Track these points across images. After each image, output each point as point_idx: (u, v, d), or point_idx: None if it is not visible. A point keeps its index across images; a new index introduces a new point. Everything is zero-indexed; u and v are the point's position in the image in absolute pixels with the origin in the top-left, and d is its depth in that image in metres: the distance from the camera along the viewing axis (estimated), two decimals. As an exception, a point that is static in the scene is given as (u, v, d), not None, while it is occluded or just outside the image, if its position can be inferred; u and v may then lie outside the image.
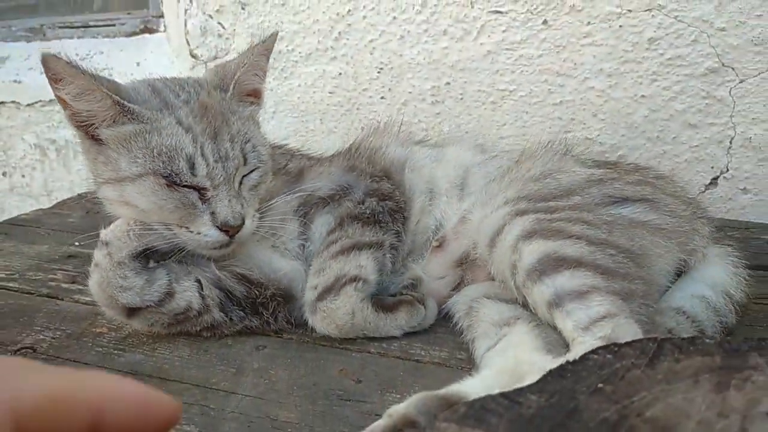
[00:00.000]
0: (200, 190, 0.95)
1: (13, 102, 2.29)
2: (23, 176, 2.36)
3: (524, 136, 1.69)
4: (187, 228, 0.95)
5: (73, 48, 2.25)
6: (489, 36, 1.67)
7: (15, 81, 2.27)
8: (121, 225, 0.98)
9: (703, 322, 0.91)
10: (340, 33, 1.81)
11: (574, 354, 0.72)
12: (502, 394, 0.54)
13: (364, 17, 1.77)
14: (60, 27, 2.35)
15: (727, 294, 0.95)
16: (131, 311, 0.96)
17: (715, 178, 1.58)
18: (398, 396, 0.84)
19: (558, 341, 0.84)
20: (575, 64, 1.61)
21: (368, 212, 1.06)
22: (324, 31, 1.82)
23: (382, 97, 1.82)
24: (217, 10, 1.93)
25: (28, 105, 2.27)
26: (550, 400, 0.52)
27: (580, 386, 0.54)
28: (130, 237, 0.96)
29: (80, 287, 1.18)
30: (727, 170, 1.56)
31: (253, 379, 0.89)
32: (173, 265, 0.99)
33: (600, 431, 0.48)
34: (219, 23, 1.95)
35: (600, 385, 0.53)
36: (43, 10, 2.42)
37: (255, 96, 1.09)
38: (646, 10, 1.53)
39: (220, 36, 1.97)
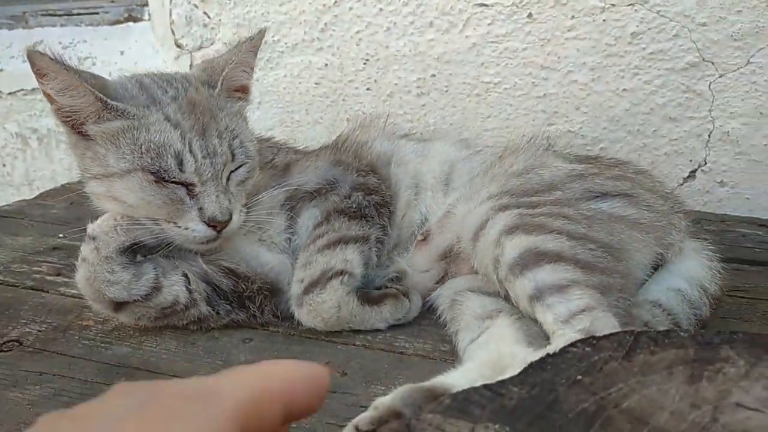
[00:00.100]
0: (188, 186, 0.96)
1: (-6, 90, 2.27)
2: (4, 165, 2.33)
3: (508, 129, 1.71)
4: (175, 223, 0.96)
5: (56, 36, 2.23)
6: (474, 29, 1.68)
7: (-4, 69, 2.25)
8: (108, 220, 0.98)
9: (678, 315, 0.93)
10: (326, 24, 1.81)
11: (555, 347, 0.74)
12: (485, 386, 0.55)
13: (351, 8, 1.77)
14: (42, 15, 2.32)
15: (701, 287, 0.97)
16: (118, 305, 0.97)
17: (694, 171, 1.61)
18: (383, 388, 0.85)
19: (539, 334, 0.86)
20: (559, 57, 1.63)
21: (354, 206, 1.07)
22: (310, 22, 1.82)
23: (368, 89, 1.82)
24: (203, 0, 1.92)
25: (10, 93, 2.24)
26: (531, 391, 0.54)
27: (560, 378, 0.55)
28: (117, 232, 0.97)
29: (66, 280, 1.18)
30: (706, 163, 1.59)
31: (240, 371, 0.90)
32: (160, 260, 1.00)
33: (578, 422, 0.50)
34: (204, 13, 1.94)
35: (579, 377, 0.55)
36: (25, -3, 2.40)
37: (243, 92, 1.09)
38: (629, 5, 1.54)
39: (205, 26, 1.96)
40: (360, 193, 1.09)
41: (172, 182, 0.95)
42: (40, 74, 0.94)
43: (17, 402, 0.84)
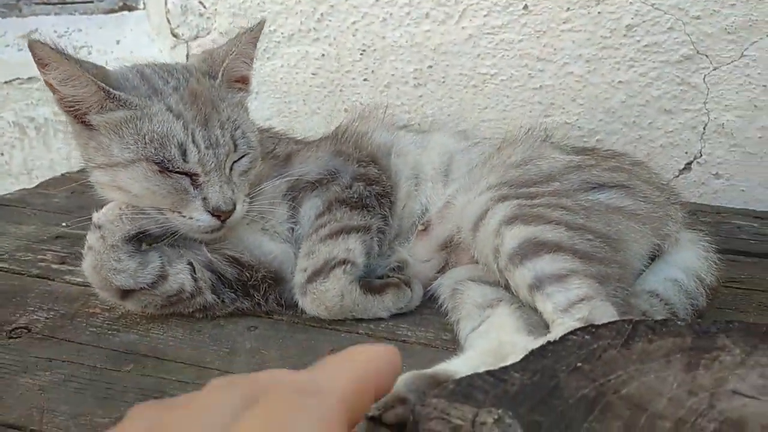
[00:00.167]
0: (192, 176, 0.97)
1: (-11, 79, 2.26)
2: (2, 154, 2.32)
3: (505, 120, 1.72)
4: (179, 213, 0.97)
5: (50, 25, 2.22)
6: (470, 20, 1.69)
7: (-9, 57, 2.24)
8: (114, 208, 0.99)
9: (675, 305, 0.94)
10: (322, 14, 1.81)
11: (555, 335, 0.75)
12: (488, 372, 0.56)
13: (347, -1, 1.77)
14: (36, 3, 2.30)
15: (698, 278, 0.99)
16: (125, 293, 0.98)
17: (689, 163, 1.63)
18: (387, 375, 0.87)
19: (538, 322, 0.88)
20: (555, 49, 1.64)
21: (356, 196, 1.08)
22: (307, 12, 1.82)
23: (365, 79, 1.83)
24: (199, -10, 1.92)
25: (6, 82, 2.23)
26: (532, 378, 0.54)
27: (560, 365, 0.56)
28: (122, 220, 0.98)
29: (70, 268, 1.19)
30: (701, 155, 1.61)
31: (246, 358, 0.92)
32: (165, 249, 1.01)
33: (579, 407, 0.50)
34: (200, 2, 1.93)
35: (579, 364, 0.55)
36: (18, -15, 2.38)
37: (243, 83, 1.10)
38: (624, -3, 1.56)
39: (201, 15, 1.95)
40: (361, 183, 1.10)
41: (176, 172, 0.96)
42: (41, 64, 0.95)
43: (28, 387, 0.85)
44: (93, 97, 0.95)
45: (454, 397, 0.53)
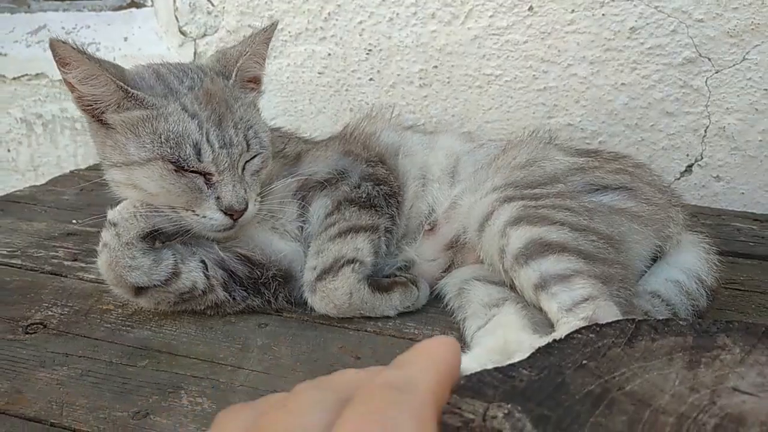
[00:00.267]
0: (206, 175, 0.99)
1: (-3, 75, 2.27)
2: (9, 151, 2.34)
3: (509, 121, 1.74)
4: (193, 211, 0.99)
5: (59, 21, 2.23)
6: (476, 21, 1.71)
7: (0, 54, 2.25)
8: (128, 206, 1.01)
9: (676, 306, 0.96)
10: (329, 14, 1.82)
11: (560, 333, 0.77)
12: (497, 369, 0.57)
13: (353, -2, 1.79)
14: (45, -1, 2.33)
15: (699, 279, 1.00)
16: (139, 290, 1.00)
17: (690, 166, 1.65)
18: (396, 371, 0.89)
19: (543, 321, 0.90)
20: (559, 50, 1.66)
21: (364, 196, 1.10)
22: (314, 11, 1.83)
23: (370, 79, 1.85)
24: (207, -12, 1.93)
25: (14, 79, 2.24)
26: (539, 374, 0.56)
27: (566, 362, 0.57)
28: (137, 218, 0.99)
29: (82, 265, 1.21)
30: (702, 158, 1.63)
31: (258, 355, 0.94)
32: (178, 246, 1.03)
33: (585, 402, 0.51)
34: (208, 0, 1.95)
35: (584, 362, 0.56)
36: (26, -19, 2.39)
37: (255, 83, 1.12)
38: (628, 0, 1.57)
39: (209, 13, 1.97)
40: (369, 183, 1.12)
41: (191, 171, 0.97)
42: (62, 63, 0.96)
43: (47, 382, 0.87)
44: (111, 96, 0.97)
45: (465, 392, 0.55)
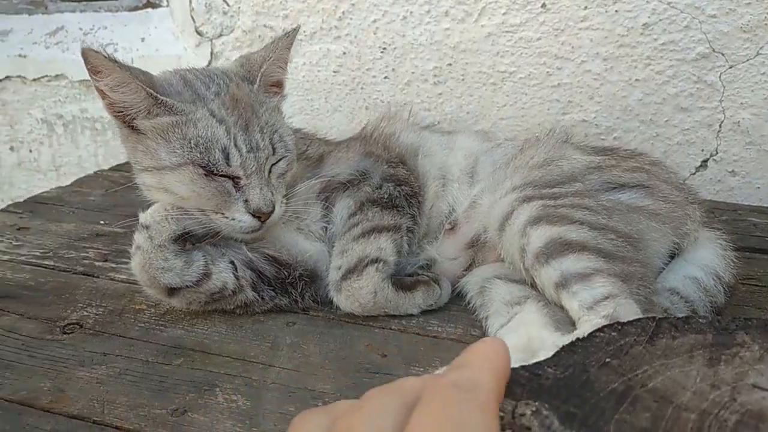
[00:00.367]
0: (234, 179, 1.01)
1: (18, 76, 2.29)
2: (30, 151, 2.38)
3: (524, 118, 1.76)
4: (222, 214, 1.02)
5: (76, 22, 2.26)
6: (489, 18, 1.72)
7: (19, 55, 2.27)
8: (160, 210, 1.04)
9: (695, 302, 0.98)
10: (344, 12, 1.84)
11: (582, 331, 0.79)
12: (523, 367, 0.60)
13: (367, -3, 1.80)
14: (62, 0, 2.35)
15: (716, 275, 1.02)
16: (171, 291, 1.03)
17: (705, 161, 1.66)
18: (422, 369, 0.92)
19: (564, 319, 0.92)
20: (573, 47, 1.67)
21: (386, 197, 1.12)
22: (328, 10, 1.85)
23: (385, 77, 1.87)
24: (223, -12, 1.95)
25: (34, 80, 2.27)
26: (565, 372, 0.58)
27: (590, 361, 0.58)
28: (168, 221, 1.02)
29: (113, 265, 1.24)
30: (717, 153, 1.64)
31: (287, 353, 0.97)
32: (208, 248, 1.06)
33: (609, 400, 0.53)
34: (224, 0, 1.97)
35: (607, 360, 0.58)
36: (43, -18, 2.42)
37: (278, 87, 1.14)
38: (640, -4, 1.58)
39: (224, 13, 1.99)
40: (390, 183, 1.14)
41: (220, 175, 1.00)
42: (93, 71, 0.99)
43: (87, 380, 0.91)
44: (142, 103, 1.00)
45: (494, 390, 0.58)
